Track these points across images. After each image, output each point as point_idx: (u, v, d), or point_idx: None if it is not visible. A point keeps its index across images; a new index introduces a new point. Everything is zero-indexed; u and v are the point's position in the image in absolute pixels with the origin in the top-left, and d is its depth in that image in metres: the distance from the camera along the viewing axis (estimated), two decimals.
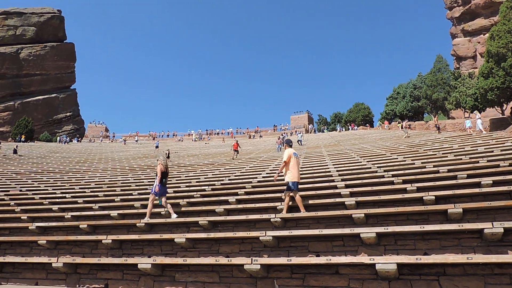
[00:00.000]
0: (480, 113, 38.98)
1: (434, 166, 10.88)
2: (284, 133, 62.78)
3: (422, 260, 4.42)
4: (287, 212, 7.50)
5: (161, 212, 9.02)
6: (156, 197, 8.67)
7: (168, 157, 27.32)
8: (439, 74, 55.70)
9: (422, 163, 12.03)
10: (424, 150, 16.30)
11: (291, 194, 7.58)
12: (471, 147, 14.71)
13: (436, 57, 58.02)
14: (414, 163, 12.26)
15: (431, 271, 4.59)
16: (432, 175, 9.58)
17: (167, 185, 9.25)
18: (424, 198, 7.08)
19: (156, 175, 8.75)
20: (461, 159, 11.88)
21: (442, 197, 7.16)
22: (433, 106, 56.32)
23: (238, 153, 26.04)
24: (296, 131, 44.77)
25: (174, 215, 8.27)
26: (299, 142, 34.40)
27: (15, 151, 33.71)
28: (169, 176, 10.08)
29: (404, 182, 9.21)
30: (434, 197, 7.01)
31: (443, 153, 14.00)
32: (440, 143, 18.47)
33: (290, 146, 8.31)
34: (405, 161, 13.34)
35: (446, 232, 5.36)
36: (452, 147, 15.93)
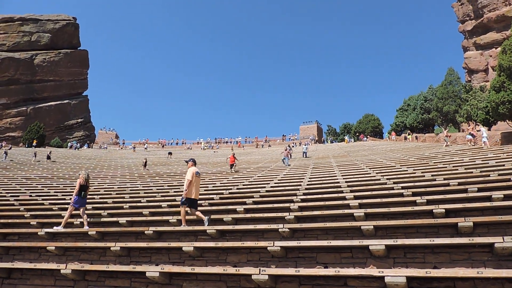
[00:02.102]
0: (491, 126, 38.61)
1: (445, 179, 10.78)
2: (293, 142, 62.72)
3: (432, 274, 4.37)
4: (185, 224, 8.19)
5: (169, 220, 9.05)
6: (76, 208, 9.42)
7: (145, 165, 27.74)
8: (450, 87, 55.43)
9: (432, 175, 11.92)
10: (434, 162, 16.15)
11: (186, 208, 8.45)
12: (482, 161, 14.54)
13: (448, 70, 57.85)
14: (424, 176, 12.15)
15: (441, 285, 4.53)
16: (442, 188, 9.48)
17: (87, 197, 10.01)
18: (434, 211, 7.01)
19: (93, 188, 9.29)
20: (471, 172, 11.76)
21: (452, 210, 7.08)
22: (443, 119, 55.95)
23: (235, 166, 22.28)
24: (303, 142, 42.68)
25: (86, 227, 8.94)
26: (304, 154, 32.03)
27: (48, 157, 35.14)
28: (89, 189, 10.67)
29: (414, 194, 9.13)
30: (444, 210, 6.94)
31: (453, 166, 13.86)
32: (451, 156, 18.30)
33: (195, 165, 9.04)
34: (415, 173, 13.23)
35: (456, 246, 5.30)
36: (462, 160, 15.77)
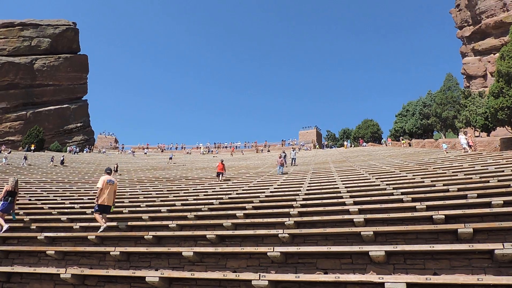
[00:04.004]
0: (490, 132, 38.75)
1: (444, 185, 10.80)
2: (293, 148, 62.68)
3: (432, 280, 4.38)
4: (103, 229, 8.81)
5: (169, 225, 9.05)
6: (4, 213, 9.99)
7: (116, 170, 27.76)
8: (449, 93, 55.58)
9: (431, 181, 11.94)
10: (433, 168, 16.17)
11: (100, 214, 9.09)
12: (481, 166, 14.57)
13: (446, 76, 58.03)
14: (423, 181, 12.17)
15: None
16: (442, 194, 9.50)
17: (15, 203, 10.70)
18: (433, 217, 7.02)
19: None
20: (471, 178, 11.77)
21: (452, 216, 7.09)
22: (442, 125, 56.05)
23: (223, 175, 20.18)
24: (293, 148, 37.66)
25: (5, 227, 9.58)
26: (293, 161, 28.95)
27: (62, 162, 35.43)
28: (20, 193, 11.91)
29: (414, 200, 9.15)
30: (444, 216, 6.95)
31: (453, 172, 13.89)
32: (450, 162, 18.32)
33: (108, 174, 9.69)
34: (414, 179, 13.25)
35: (456, 252, 5.31)
36: (462, 166, 15.80)
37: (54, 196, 16.11)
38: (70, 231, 9.72)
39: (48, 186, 20.26)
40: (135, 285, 5.95)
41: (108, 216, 11.07)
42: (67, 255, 7.95)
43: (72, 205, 13.42)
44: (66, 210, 12.62)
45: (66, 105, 75.11)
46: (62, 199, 15.17)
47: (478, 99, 46.82)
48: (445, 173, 13.94)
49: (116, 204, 13.20)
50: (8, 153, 47.02)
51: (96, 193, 9.90)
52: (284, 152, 26.71)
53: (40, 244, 8.99)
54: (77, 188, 19.19)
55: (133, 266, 7.17)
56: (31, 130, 60.93)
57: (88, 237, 8.55)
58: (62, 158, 36.42)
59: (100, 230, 8.79)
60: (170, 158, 44.14)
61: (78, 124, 75.94)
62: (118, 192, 16.96)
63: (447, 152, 26.70)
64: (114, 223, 9.80)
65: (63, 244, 8.94)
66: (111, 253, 7.17)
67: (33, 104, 71.27)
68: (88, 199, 15.02)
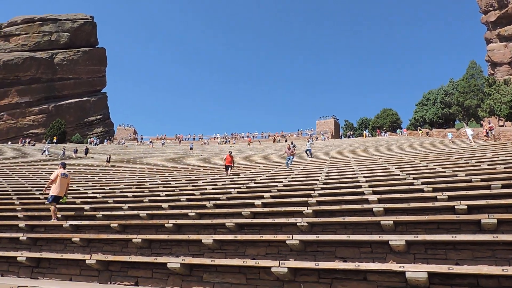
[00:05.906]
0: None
1: (466, 175, 10.57)
2: (308, 139, 62.40)
3: (455, 270, 4.32)
4: (55, 219, 9.95)
5: (188, 214, 9.18)
6: None
7: (109, 161, 28.06)
8: (472, 81, 54.14)
9: (453, 171, 11.71)
10: (455, 158, 15.85)
11: (53, 204, 10.00)
12: (505, 157, 14.19)
13: (469, 63, 56.58)
14: (445, 171, 11.96)
15: (464, 281, 4.47)
16: (464, 184, 9.32)
17: None
18: (455, 207, 6.90)
19: None
20: (495, 168, 11.49)
21: (475, 207, 6.96)
22: (465, 114, 54.73)
23: (231, 169, 18.26)
24: (307, 140, 34.49)
25: None
26: (308, 152, 25.52)
27: (86, 153, 37.13)
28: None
29: (434, 190, 8.99)
30: (466, 207, 6.82)
31: (475, 162, 13.58)
32: (473, 152, 17.93)
33: (63, 167, 10.73)
34: (435, 168, 13.02)
35: (479, 243, 5.22)
36: (485, 156, 15.43)
37: (77, 186, 16.51)
38: (93, 220, 9.98)
39: (71, 176, 20.75)
40: (157, 271, 6.08)
41: (129, 205, 11.34)
42: (91, 242, 8.19)
43: (95, 195, 13.75)
44: (89, 200, 12.94)
45: (86, 98, 76.58)
46: (84, 189, 15.55)
47: (503, 87, 45.45)
48: (468, 163, 13.64)
49: (136, 194, 13.51)
50: (32, 145, 48.36)
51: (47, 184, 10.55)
52: (292, 142, 23.33)
53: (65, 231, 9.29)
54: (98, 178, 19.63)
55: (154, 253, 7.33)
56: (53, 123, 62.43)
57: (111, 225, 8.78)
58: (86, 149, 37.54)
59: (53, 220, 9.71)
60: (191, 148, 44.80)
61: (98, 116, 77.39)
62: (138, 182, 17.28)
63: (452, 142, 27.60)
64: (135, 212, 10.00)
65: (87, 232, 9.20)
66: (133, 240, 7.34)
67: (54, 98, 72.94)
68: (110, 189, 15.36)
